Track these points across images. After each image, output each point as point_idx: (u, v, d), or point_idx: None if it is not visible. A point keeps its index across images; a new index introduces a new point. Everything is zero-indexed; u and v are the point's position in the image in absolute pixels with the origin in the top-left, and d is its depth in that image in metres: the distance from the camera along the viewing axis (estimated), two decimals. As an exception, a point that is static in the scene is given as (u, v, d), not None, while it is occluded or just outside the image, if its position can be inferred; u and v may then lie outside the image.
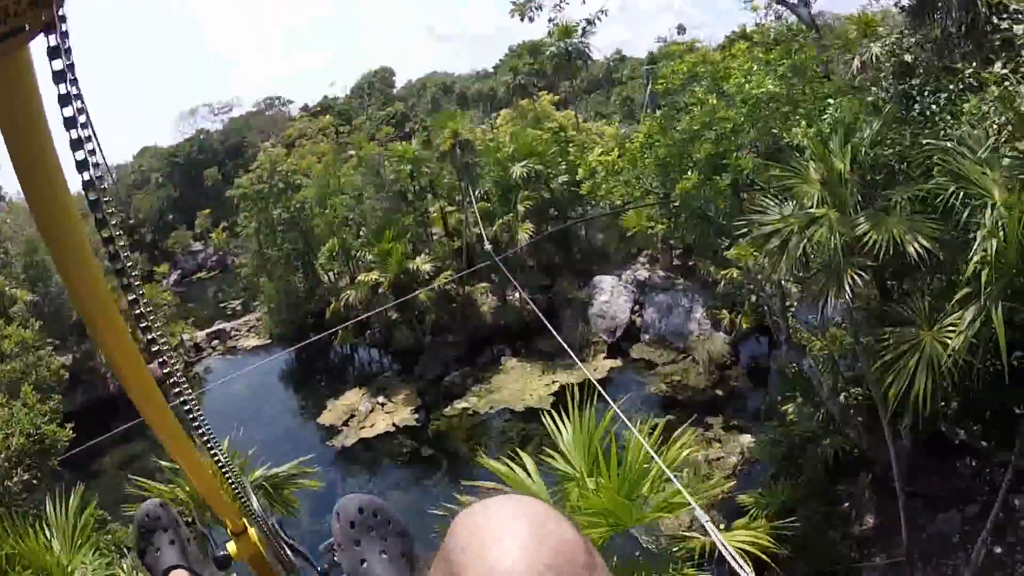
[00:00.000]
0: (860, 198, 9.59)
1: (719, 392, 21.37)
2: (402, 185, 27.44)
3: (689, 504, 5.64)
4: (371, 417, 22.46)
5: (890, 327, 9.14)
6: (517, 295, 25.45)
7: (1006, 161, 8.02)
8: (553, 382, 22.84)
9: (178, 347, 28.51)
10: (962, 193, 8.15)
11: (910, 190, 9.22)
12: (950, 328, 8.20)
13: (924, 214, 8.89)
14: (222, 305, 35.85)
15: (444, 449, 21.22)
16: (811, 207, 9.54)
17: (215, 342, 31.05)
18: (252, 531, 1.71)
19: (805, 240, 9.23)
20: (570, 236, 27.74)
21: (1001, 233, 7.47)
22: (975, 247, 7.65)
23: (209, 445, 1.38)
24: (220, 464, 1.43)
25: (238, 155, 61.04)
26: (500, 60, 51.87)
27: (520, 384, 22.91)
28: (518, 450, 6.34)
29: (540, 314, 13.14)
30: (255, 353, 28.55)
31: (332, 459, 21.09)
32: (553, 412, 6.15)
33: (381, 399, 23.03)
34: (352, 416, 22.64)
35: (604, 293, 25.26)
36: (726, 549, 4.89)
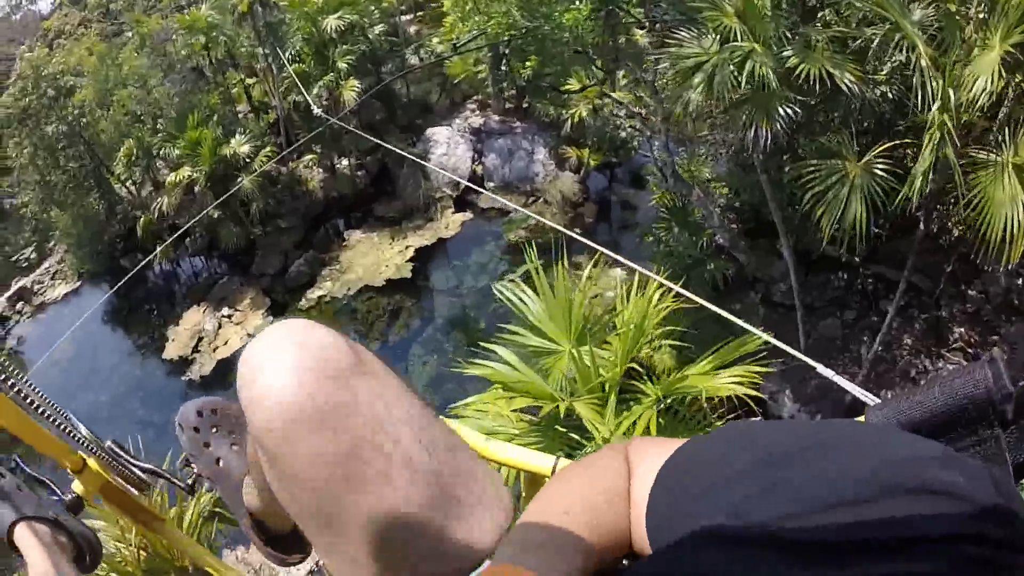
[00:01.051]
0: (787, 33, 9.58)
1: (576, 230, 21.11)
2: (196, 61, 23.21)
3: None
4: (221, 334, 20.12)
5: (814, 160, 9.59)
6: (345, 163, 22.99)
7: (916, 16, 8.33)
8: (406, 247, 21.29)
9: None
10: (891, 37, 8.53)
11: (833, 31, 9.51)
12: (877, 162, 8.93)
13: (843, 54, 9.30)
14: (13, 259, 30.35)
15: (309, 346, 19.56)
16: (734, 41, 9.42)
17: (20, 304, 26.34)
18: (91, 462, 1.54)
19: (734, 74, 9.27)
20: (390, 92, 25.01)
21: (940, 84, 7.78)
22: (936, 94, 7.80)
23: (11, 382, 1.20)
24: (27, 399, 1.26)
25: (-11, 76, 51.07)
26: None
27: (372, 257, 21.16)
28: (484, 343, 5.17)
29: (425, 163, 11.65)
30: (67, 301, 24.44)
31: (191, 395, 18.96)
32: (508, 284, 5.08)
33: (226, 311, 20.54)
34: (200, 339, 20.15)
35: (440, 146, 23.27)
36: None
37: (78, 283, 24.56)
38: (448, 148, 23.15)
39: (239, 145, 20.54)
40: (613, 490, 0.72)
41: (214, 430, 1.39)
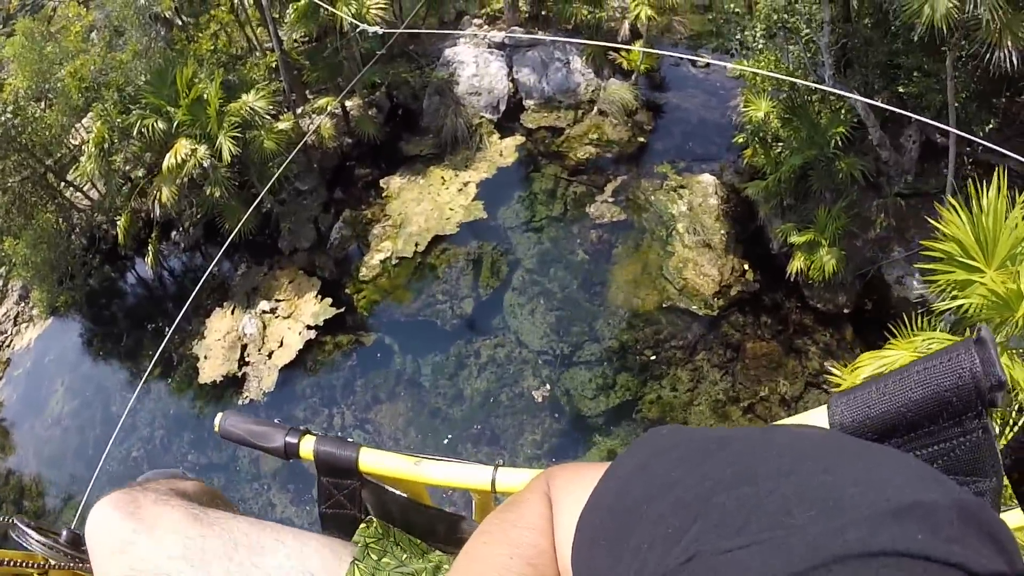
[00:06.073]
0: None
1: (641, 140, 18.71)
2: (160, 8, 18.46)
3: None
4: (270, 335, 15.91)
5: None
6: (354, 102, 18.83)
7: None
8: (465, 184, 17.59)
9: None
10: None
11: None
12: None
13: None
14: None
15: (392, 321, 15.87)
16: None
17: (-13, 366, 20.83)
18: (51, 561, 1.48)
19: None
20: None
21: None
22: None
23: None
24: None
25: None
26: None
27: (428, 203, 17.31)
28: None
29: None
30: (42, 348, 19.33)
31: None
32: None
33: (264, 305, 16.27)
34: (244, 347, 15.94)
35: (468, 66, 19.48)
36: None
37: (48, 321, 19.46)
38: (478, 68, 19.38)
39: (255, 99, 15.81)
40: (535, 552, 0.68)
41: None
